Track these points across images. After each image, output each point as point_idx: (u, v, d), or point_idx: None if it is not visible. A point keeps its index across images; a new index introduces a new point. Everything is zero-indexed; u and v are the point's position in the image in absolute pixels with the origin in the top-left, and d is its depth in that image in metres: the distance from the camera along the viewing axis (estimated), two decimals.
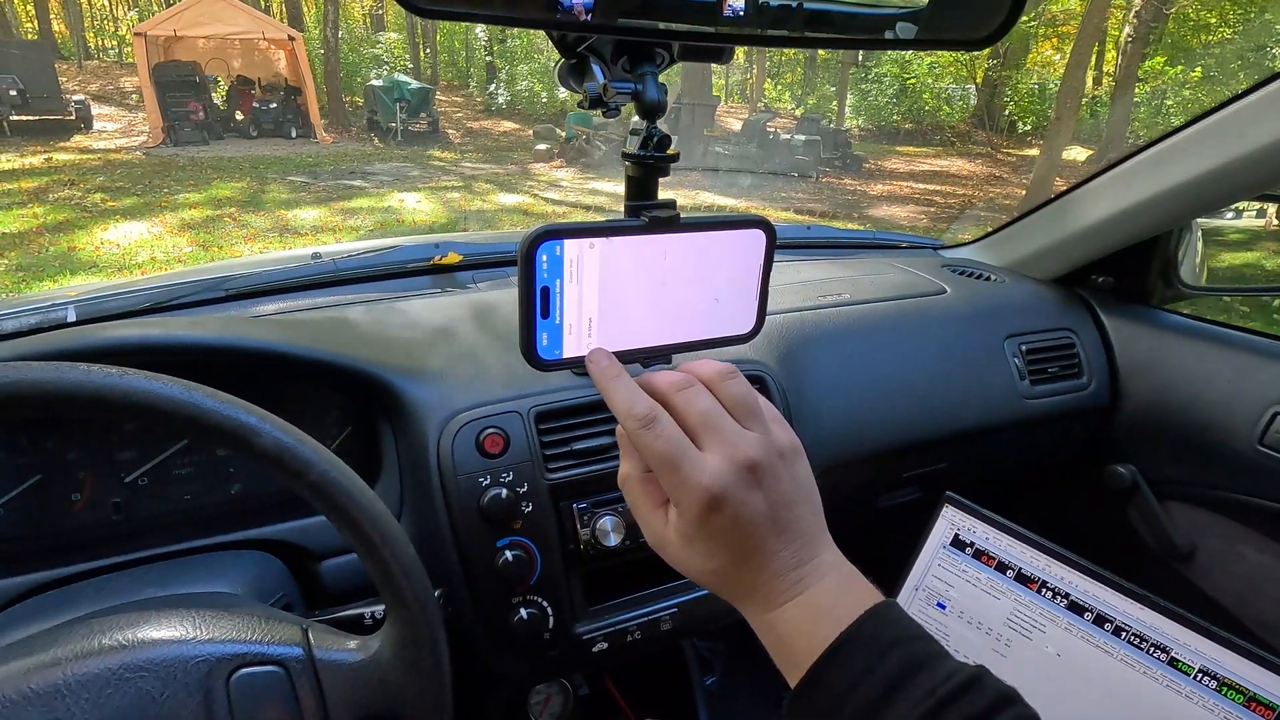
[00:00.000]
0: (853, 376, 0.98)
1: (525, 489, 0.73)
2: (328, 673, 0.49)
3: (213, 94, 13.21)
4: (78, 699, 0.43)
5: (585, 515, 0.75)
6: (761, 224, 0.61)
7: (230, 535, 0.71)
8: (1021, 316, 1.12)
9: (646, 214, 0.56)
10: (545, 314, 0.54)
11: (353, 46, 18.16)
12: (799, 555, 0.43)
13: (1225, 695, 0.75)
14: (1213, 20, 12.67)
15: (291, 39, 13.19)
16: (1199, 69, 11.88)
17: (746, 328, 0.65)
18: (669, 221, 0.56)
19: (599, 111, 0.56)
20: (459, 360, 0.82)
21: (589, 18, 0.46)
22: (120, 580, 0.65)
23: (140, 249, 6.37)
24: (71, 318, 0.91)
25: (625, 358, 0.62)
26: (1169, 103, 11.99)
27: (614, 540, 0.74)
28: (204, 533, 0.72)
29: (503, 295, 1.05)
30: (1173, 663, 0.78)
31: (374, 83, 14.30)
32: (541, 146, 12.60)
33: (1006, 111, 15.27)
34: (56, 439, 0.76)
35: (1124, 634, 0.81)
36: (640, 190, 0.57)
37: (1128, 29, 11.17)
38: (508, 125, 16.73)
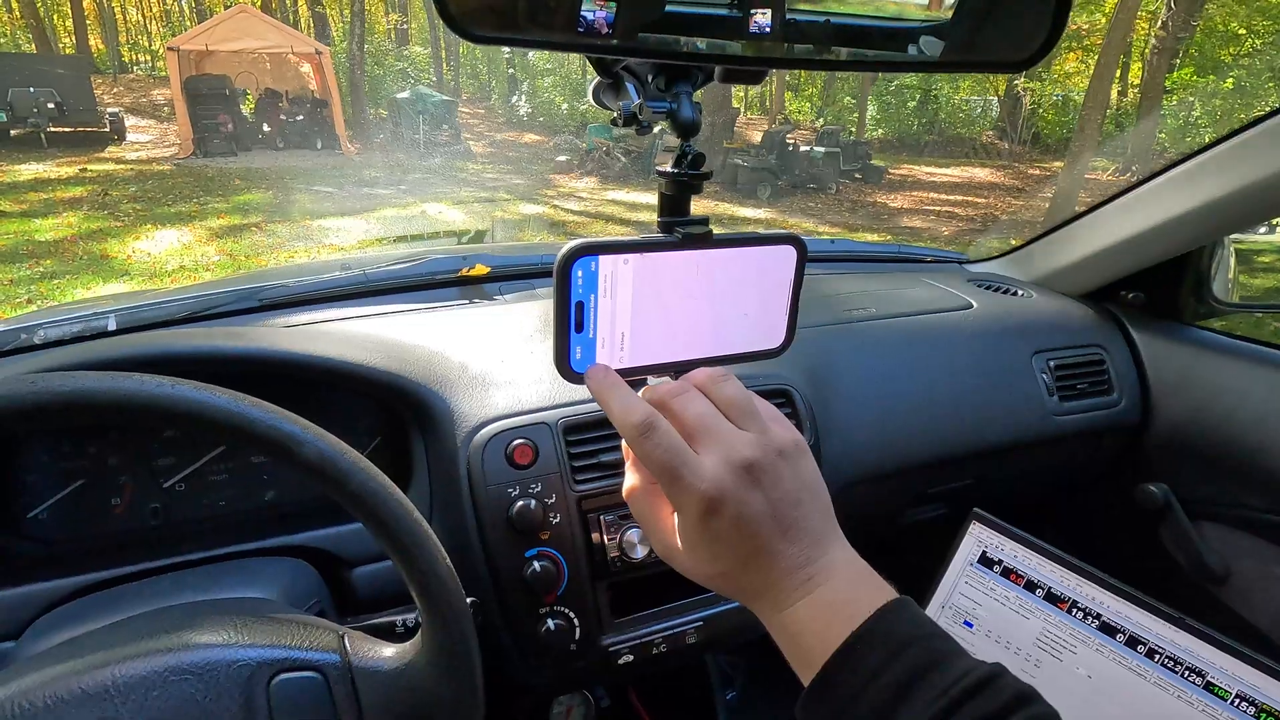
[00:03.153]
0: (879, 391, 0.98)
1: (553, 500, 0.73)
2: (364, 679, 0.49)
3: (241, 106, 13.51)
4: (125, 699, 0.44)
5: (612, 527, 0.75)
6: (793, 240, 0.61)
7: (265, 541, 0.72)
8: (1050, 332, 1.11)
9: (680, 230, 0.56)
10: (579, 328, 0.55)
11: (378, 60, 18.49)
12: (807, 553, 0.43)
13: None
14: (1241, 31, 12.49)
15: (319, 53, 13.48)
16: (1230, 80, 11.70)
17: (776, 342, 0.65)
18: (702, 238, 0.57)
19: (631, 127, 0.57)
20: (488, 372, 0.83)
21: (613, 38, 0.47)
22: (161, 584, 0.66)
23: (170, 257, 6.51)
24: (111, 326, 0.94)
25: (657, 371, 0.63)
26: (1197, 114, 11.82)
27: (640, 553, 0.74)
28: (239, 538, 0.73)
29: (530, 307, 1.07)
30: (1209, 687, 0.77)
31: (398, 95, 14.55)
32: (563, 158, 12.72)
33: (1030, 123, 15.14)
34: (99, 445, 0.79)
35: (1158, 656, 0.80)
36: (674, 207, 0.58)
37: (1154, 40, 11.04)
38: (530, 137, 16.91)
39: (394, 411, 0.82)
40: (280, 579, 0.68)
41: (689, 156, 0.56)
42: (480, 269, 1.18)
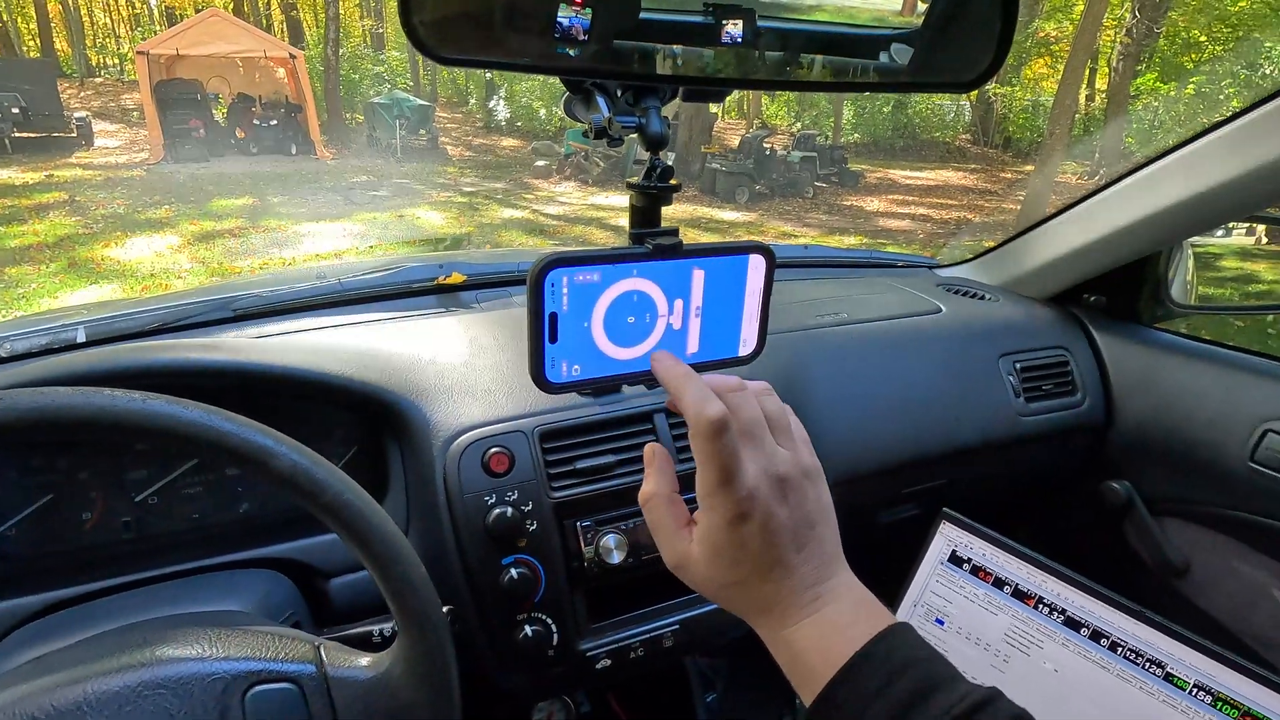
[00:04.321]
0: (852, 396, 1.00)
1: (530, 507, 0.74)
2: (340, 689, 0.50)
3: (214, 111, 13.32)
4: (99, 715, 0.44)
5: (589, 533, 0.76)
6: (762, 249, 0.63)
7: (239, 554, 0.72)
8: (1016, 335, 1.13)
9: (651, 241, 0.58)
10: (554, 339, 0.56)
11: (353, 65, 18.33)
12: (819, 573, 0.44)
13: (1220, 710, 0.76)
14: (1203, 39, 12.85)
15: (293, 57, 13.33)
16: (1192, 85, 12.03)
17: (749, 349, 0.67)
18: (673, 248, 0.58)
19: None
20: (464, 380, 0.84)
21: (585, 55, 0.48)
22: (134, 599, 0.66)
23: (142, 264, 6.39)
24: (81, 338, 0.93)
25: (630, 380, 0.64)
26: (1162, 118, 12.13)
27: (617, 558, 0.75)
28: (213, 551, 0.73)
29: (506, 315, 1.07)
30: (1169, 678, 0.79)
31: (374, 100, 14.44)
32: (541, 163, 12.70)
33: (1001, 128, 15.42)
34: (69, 459, 0.78)
35: (1120, 649, 0.82)
36: (644, 218, 0.59)
37: (1119, 47, 11.32)
38: (508, 142, 16.86)
39: (370, 421, 0.82)
40: (255, 591, 0.68)
41: (658, 169, 0.57)
42: (457, 277, 1.18)
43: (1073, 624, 0.85)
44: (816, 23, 0.54)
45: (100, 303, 1.18)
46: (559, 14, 0.45)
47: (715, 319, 0.63)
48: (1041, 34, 14.68)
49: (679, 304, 0.61)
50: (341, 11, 17.81)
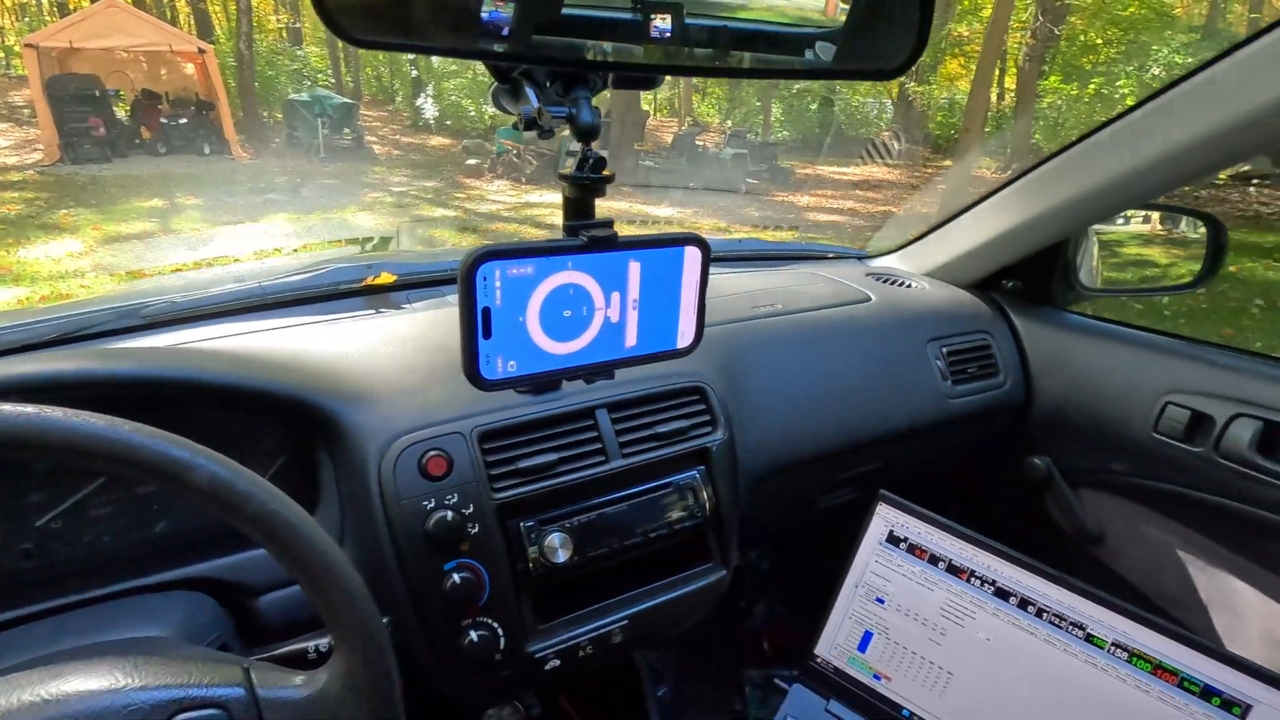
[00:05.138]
0: (788, 384, 1.02)
1: (471, 510, 0.72)
2: (272, 711, 0.47)
3: (115, 109, 12.48)
4: None
5: (533, 533, 0.75)
6: (696, 241, 0.63)
7: (158, 576, 0.68)
8: (942, 321, 1.18)
9: (585, 233, 0.57)
10: (487, 334, 0.55)
11: (269, 60, 17.51)
12: None
13: (1135, 665, 0.81)
14: (1099, 42, 13.72)
15: (202, 51, 12.62)
16: (1092, 86, 12.83)
17: (686, 341, 0.67)
18: (607, 240, 0.58)
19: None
20: (397, 382, 0.81)
21: (510, 41, 0.47)
22: (36, 630, 0.61)
23: (37, 274, 5.93)
24: None
25: (570, 375, 0.63)
26: (1067, 115, 12.88)
27: (563, 557, 0.74)
28: (129, 575, 0.68)
29: (439, 315, 1.04)
30: (1089, 639, 0.84)
31: (295, 98, 13.83)
32: (472, 161, 12.46)
33: (921, 124, 16.07)
34: None
35: (1045, 615, 0.87)
36: (578, 210, 0.58)
37: (1025, 48, 11.97)
38: (437, 140, 16.46)
39: (298, 430, 0.78)
40: (175, 614, 0.64)
41: (590, 160, 0.57)
42: (386, 277, 1.14)
43: (1002, 594, 0.89)
44: (744, 20, 0.54)
45: None
46: (483, 9, 0.44)
47: (653, 311, 0.63)
48: (954, 35, 15.36)
49: (616, 296, 0.61)
50: (254, 4, 16.99)
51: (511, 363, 0.57)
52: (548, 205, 9.98)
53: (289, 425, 0.80)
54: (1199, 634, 0.79)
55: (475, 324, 0.53)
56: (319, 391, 0.75)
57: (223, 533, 0.77)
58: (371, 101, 20.96)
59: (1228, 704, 0.77)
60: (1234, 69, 0.79)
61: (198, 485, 0.45)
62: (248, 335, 0.91)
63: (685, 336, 0.66)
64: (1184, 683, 0.79)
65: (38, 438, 0.42)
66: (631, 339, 0.64)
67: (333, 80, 19.34)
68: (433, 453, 0.72)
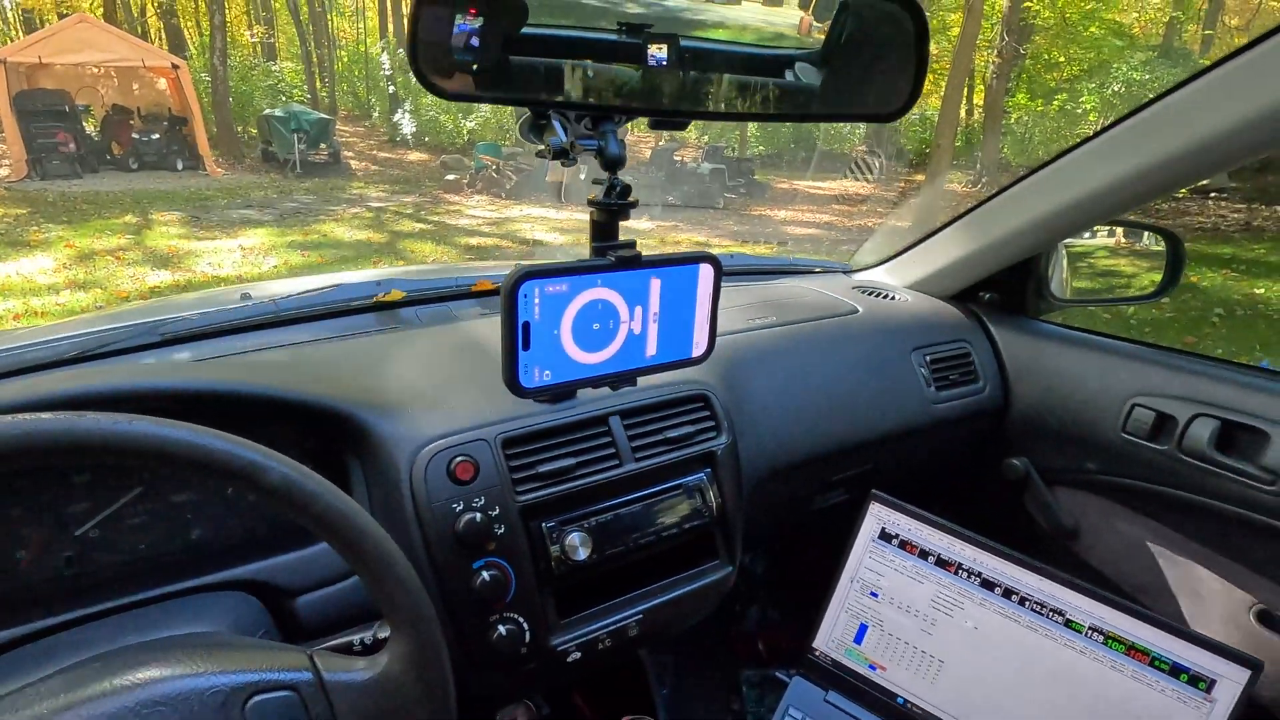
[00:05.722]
0: (784, 391, 1.08)
1: (497, 512, 0.77)
2: (338, 693, 0.51)
3: (84, 124, 12.30)
4: None
5: (554, 533, 0.79)
6: (710, 259, 0.69)
7: (203, 579, 0.71)
8: (925, 331, 1.25)
9: (613, 253, 0.63)
10: (526, 346, 0.60)
11: (243, 75, 17.40)
12: None
13: (1110, 647, 0.88)
14: (1061, 59, 14.20)
15: (176, 67, 12.51)
16: (1056, 102, 13.26)
17: (700, 351, 0.73)
18: (632, 259, 0.63)
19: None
20: (419, 394, 0.85)
21: (551, 89, 0.53)
22: (98, 630, 0.64)
23: (9, 293, 5.83)
24: None
25: (597, 383, 0.68)
26: (1033, 131, 13.30)
27: (583, 554, 0.79)
28: (171, 579, 0.71)
29: (450, 329, 1.09)
30: (1068, 624, 0.91)
31: (271, 113, 13.75)
32: (451, 176, 12.49)
33: (894, 140, 16.44)
34: None
35: (1028, 603, 0.93)
36: (604, 233, 0.64)
37: (992, 66, 12.36)
38: (415, 155, 16.45)
39: (327, 439, 0.82)
40: (225, 613, 0.68)
41: (617, 188, 0.63)
42: (396, 294, 1.19)
43: (987, 585, 0.96)
44: (730, 43, 0.60)
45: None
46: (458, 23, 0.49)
47: (671, 323, 0.69)
48: None
49: (639, 310, 0.66)
50: (228, 19, 16.90)
51: (546, 372, 0.62)
52: (527, 218, 10.03)
53: (318, 435, 0.84)
54: (1166, 618, 0.86)
55: (516, 337, 0.58)
56: (350, 403, 0.79)
57: (255, 539, 0.81)
58: (348, 117, 20.88)
59: (1194, 679, 0.84)
60: (1190, 97, 0.87)
61: (271, 485, 0.49)
62: (273, 350, 0.95)
63: (699, 346, 0.72)
64: (1155, 661, 0.86)
65: (131, 445, 0.46)
66: (652, 349, 0.69)
67: (308, 95, 19.24)
68: (460, 459, 0.76)
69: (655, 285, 0.66)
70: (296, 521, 0.51)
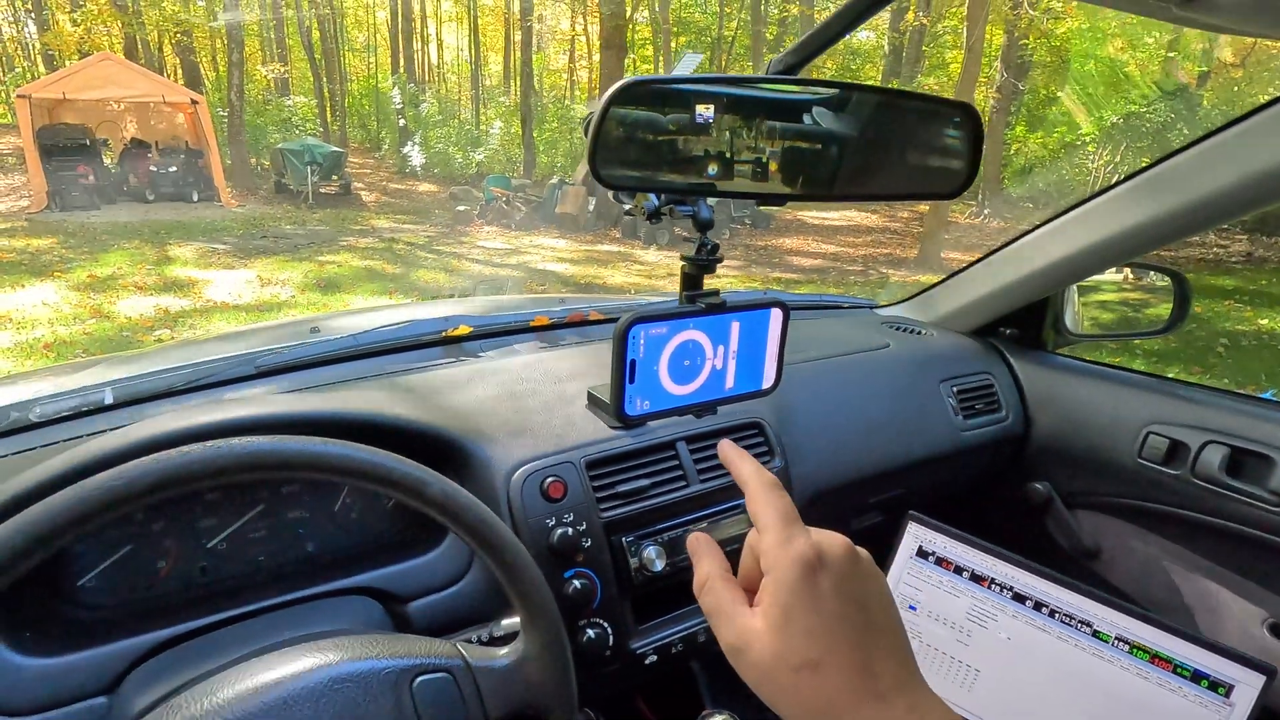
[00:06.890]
0: (825, 421, 1.17)
1: (584, 527, 0.86)
2: (483, 676, 0.60)
3: (104, 157, 12.61)
4: (302, 708, 0.53)
5: (633, 546, 0.88)
6: (780, 304, 0.79)
7: (327, 585, 0.80)
8: (951, 363, 1.35)
9: (702, 301, 0.73)
10: (632, 380, 0.70)
11: (258, 110, 17.85)
12: (913, 678, 0.39)
13: (1135, 655, 0.96)
14: (1059, 95, 14.54)
15: (194, 102, 12.87)
16: (1056, 134, 13.56)
17: (769, 383, 0.83)
18: (719, 306, 0.73)
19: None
20: (506, 421, 0.95)
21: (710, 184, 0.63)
22: (254, 627, 0.73)
23: (38, 323, 5.97)
24: (109, 400, 0.98)
25: (683, 411, 0.78)
26: (1033, 163, 13.58)
27: (659, 566, 0.88)
28: (294, 586, 0.80)
29: (515, 362, 1.18)
30: (1096, 634, 0.99)
31: (284, 146, 14.08)
32: (461, 208, 12.73)
33: None
34: (145, 511, 0.83)
35: (1057, 615, 1.01)
36: (694, 283, 0.74)
37: (991, 101, 12.66)
38: (425, 187, 16.76)
39: (428, 461, 0.92)
40: (355, 615, 0.76)
41: (707, 246, 0.73)
42: (463, 329, 1.29)
43: (1020, 598, 1.04)
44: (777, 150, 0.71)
45: (92, 361, 1.22)
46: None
47: (746, 360, 0.79)
48: (925, 87, 16.15)
49: (720, 349, 0.76)
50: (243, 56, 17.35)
51: (645, 402, 0.72)
52: (539, 248, 10.22)
53: (417, 455, 0.93)
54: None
55: (624, 372, 0.68)
56: (453, 428, 0.89)
57: (362, 551, 0.90)
58: (358, 149, 21.34)
59: (1214, 685, 0.92)
60: (1197, 158, 0.98)
61: (433, 497, 0.59)
62: (370, 380, 1.05)
63: (769, 379, 0.82)
64: (1177, 669, 0.94)
65: (329, 464, 0.55)
66: (730, 382, 0.79)
67: (320, 129, 19.70)
68: (552, 479, 0.86)
69: (735, 327, 0.76)
70: (448, 527, 0.61)
